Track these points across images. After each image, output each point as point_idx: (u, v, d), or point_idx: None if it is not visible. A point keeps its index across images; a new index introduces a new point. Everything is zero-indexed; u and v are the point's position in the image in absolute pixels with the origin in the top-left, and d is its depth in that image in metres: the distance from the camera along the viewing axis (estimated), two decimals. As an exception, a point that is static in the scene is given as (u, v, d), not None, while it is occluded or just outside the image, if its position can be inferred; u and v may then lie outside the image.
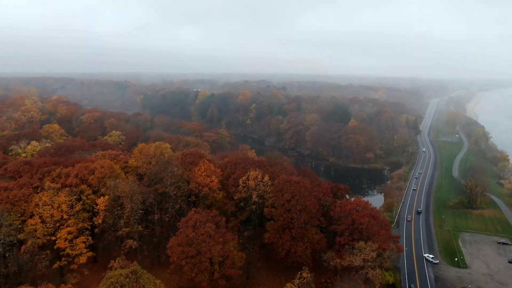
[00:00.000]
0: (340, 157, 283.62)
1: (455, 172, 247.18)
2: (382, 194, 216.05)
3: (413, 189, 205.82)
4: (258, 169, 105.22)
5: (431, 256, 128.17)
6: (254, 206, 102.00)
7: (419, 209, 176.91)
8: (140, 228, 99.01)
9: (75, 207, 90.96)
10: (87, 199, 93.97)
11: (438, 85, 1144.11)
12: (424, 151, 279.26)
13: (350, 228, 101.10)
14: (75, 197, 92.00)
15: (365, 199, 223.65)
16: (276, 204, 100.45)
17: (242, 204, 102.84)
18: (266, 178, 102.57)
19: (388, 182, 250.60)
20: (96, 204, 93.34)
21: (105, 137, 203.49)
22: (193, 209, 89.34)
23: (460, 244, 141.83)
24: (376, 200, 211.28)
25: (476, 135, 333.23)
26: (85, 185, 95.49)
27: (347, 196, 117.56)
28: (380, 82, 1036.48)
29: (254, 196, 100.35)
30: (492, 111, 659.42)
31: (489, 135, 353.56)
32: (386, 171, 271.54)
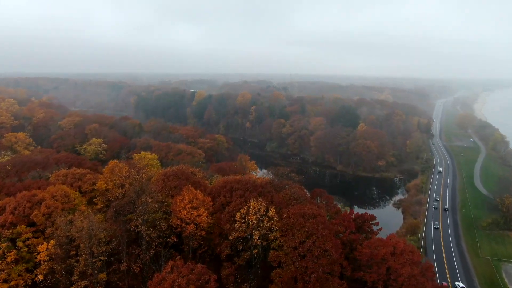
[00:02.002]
0: (349, 164, 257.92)
1: (478, 182, 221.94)
2: (400, 209, 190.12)
3: (434, 205, 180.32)
4: (260, 198, 79.58)
5: (461, 285, 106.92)
6: (256, 251, 76.27)
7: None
8: (102, 277, 73.35)
9: (7, 257, 65.38)
10: (24, 245, 68.22)
11: (440, 85, 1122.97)
12: (440, 171, 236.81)
13: (383, 278, 75.59)
14: (6, 244, 66.35)
15: (377, 211, 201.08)
16: (285, 247, 74.94)
17: (239, 246, 77.09)
18: (272, 211, 77.05)
19: (400, 191, 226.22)
20: (38, 253, 67.62)
21: (84, 146, 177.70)
22: (170, 262, 63.68)
23: (506, 280, 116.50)
24: (389, 213, 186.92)
25: (494, 139, 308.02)
26: (23, 225, 69.80)
27: (374, 229, 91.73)
28: (381, 82, 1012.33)
29: (255, 237, 74.70)
30: (500, 112, 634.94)
31: (506, 139, 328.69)
32: (397, 180, 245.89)
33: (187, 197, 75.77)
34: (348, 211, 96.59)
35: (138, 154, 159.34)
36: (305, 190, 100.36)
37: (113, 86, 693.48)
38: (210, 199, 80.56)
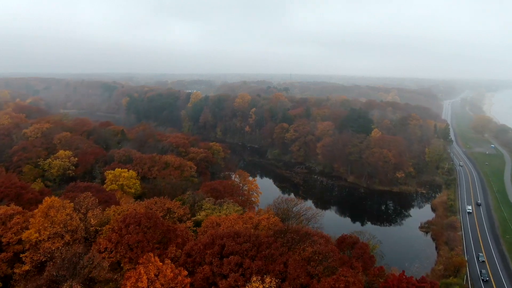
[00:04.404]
0: (362, 176, 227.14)
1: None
2: (429, 234, 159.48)
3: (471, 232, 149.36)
4: (267, 269, 48.70)
5: None
6: None
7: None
8: None
9: None
10: None
11: (444, 85, 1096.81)
12: (470, 211, 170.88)
13: None
14: None
15: (401, 234, 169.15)
16: None
17: None
18: (288, 297, 46.04)
19: (421, 206, 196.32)
20: None
21: (48, 160, 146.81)
22: None
23: None
24: (416, 239, 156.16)
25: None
26: None
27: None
28: (384, 83, 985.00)
29: None
30: (509, 113, 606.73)
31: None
32: (414, 194, 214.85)
33: (144, 276, 45.03)
34: (396, 272, 65.69)
35: (112, 172, 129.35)
36: (331, 240, 69.27)
37: (107, 86, 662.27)
38: (186, 273, 49.63)
